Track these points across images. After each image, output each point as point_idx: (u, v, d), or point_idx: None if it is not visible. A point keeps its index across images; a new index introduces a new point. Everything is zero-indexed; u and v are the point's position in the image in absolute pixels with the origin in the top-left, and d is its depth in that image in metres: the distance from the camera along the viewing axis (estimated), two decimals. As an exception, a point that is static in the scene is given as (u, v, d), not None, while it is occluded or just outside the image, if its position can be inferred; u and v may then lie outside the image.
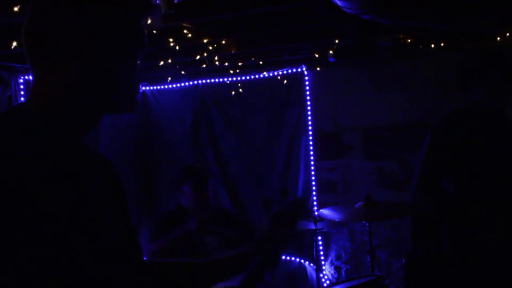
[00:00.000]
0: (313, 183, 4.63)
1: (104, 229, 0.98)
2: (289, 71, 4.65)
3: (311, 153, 4.62)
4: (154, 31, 3.24)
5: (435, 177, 2.86)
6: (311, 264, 4.62)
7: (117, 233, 1.04)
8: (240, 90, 4.76)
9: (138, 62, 1.15)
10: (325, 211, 3.32)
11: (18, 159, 0.90)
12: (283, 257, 4.72)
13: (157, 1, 2.47)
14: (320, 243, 4.65)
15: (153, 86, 5.15)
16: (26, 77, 4.22)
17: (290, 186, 4.72)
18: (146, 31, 1.12)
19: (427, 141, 2.88)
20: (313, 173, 4.62)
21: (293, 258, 4.72)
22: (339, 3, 2.68)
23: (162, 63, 4.11)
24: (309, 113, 4.62)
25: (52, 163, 0.92)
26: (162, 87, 5.13)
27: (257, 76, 4.74)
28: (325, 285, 4.50)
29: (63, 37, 0.96)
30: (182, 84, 5.05)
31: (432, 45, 4.09)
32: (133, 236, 1.21)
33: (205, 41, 3.64)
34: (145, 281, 1.14)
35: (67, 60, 0.97)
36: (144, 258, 1.23)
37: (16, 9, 2.60)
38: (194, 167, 3.69)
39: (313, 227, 3.43)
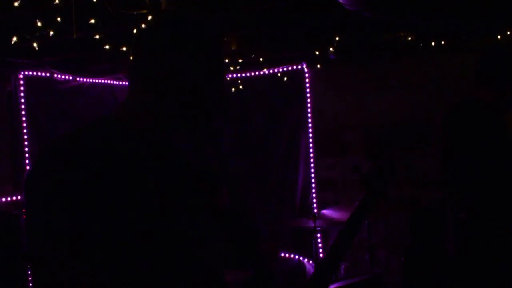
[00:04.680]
0: (313, 180, 4.63)
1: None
2: (289, 68, 4.64)
3: (311, 150, 4.61)
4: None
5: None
6: (310, 262, 4.62)
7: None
8: (240, 87, 4.76)
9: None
10: (326, 212, 3.33)
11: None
12: (282, 255, 4.73)
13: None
14: (319, 240, 4.65)
15: (153, 82, 5.14)
16: (27, 72, 4.21)
17: (289, 183, 4.72)
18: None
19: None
20: (312, 170, 4.62)
21: (292, 256, 4.72)
22: (340, 0, 2.68)
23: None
24: (309, 110, 4.62)
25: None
26: (162, 83, 5.12)
27: (257, 73, 4.74)
28: (324, 282, 4.50)
29: (166, 74, 1.19)
30: (183, 81, 5.05)
31: (433, 43, 4.09)
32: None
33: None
34: None
35: (163, 90, 1.20)
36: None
37: (16, 4, 2.60)
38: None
39: (312, 224, 3.43)
